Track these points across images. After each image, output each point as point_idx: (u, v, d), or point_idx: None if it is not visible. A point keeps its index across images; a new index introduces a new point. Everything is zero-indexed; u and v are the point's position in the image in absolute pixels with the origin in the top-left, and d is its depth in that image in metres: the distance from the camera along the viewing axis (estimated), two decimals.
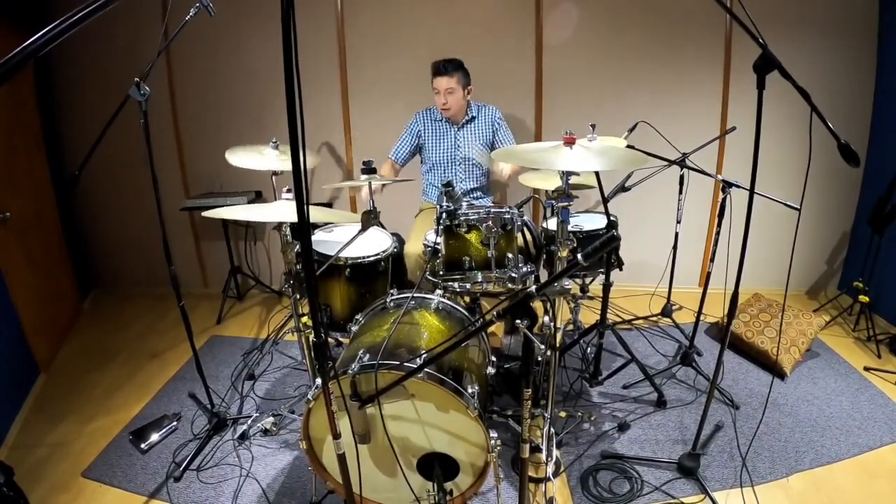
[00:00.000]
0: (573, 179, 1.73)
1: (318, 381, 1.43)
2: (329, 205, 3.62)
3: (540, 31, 3.21)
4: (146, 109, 1.90)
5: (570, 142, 1.61)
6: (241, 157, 2.21)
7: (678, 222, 2.72)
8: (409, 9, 3.24)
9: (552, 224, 2.01)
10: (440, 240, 1.84)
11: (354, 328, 1.85)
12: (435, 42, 3.22)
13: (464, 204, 1.82)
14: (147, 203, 2.15)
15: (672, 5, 3.12)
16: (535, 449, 2.00)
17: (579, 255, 1.13)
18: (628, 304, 3.38)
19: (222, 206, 2.66)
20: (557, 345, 1.97)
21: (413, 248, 2.42)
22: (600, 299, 2.43)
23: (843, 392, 2.48)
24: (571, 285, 1.50)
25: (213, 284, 3.83)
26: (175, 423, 2.38)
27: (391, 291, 1.94)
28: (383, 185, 2.38)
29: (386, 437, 1.53)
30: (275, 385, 2.67)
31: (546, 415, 1.99)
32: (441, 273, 1.86)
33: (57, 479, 2.09)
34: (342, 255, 1.99)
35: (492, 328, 2.55)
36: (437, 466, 1.58)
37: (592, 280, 2.71)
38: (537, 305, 1.29)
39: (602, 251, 1.16)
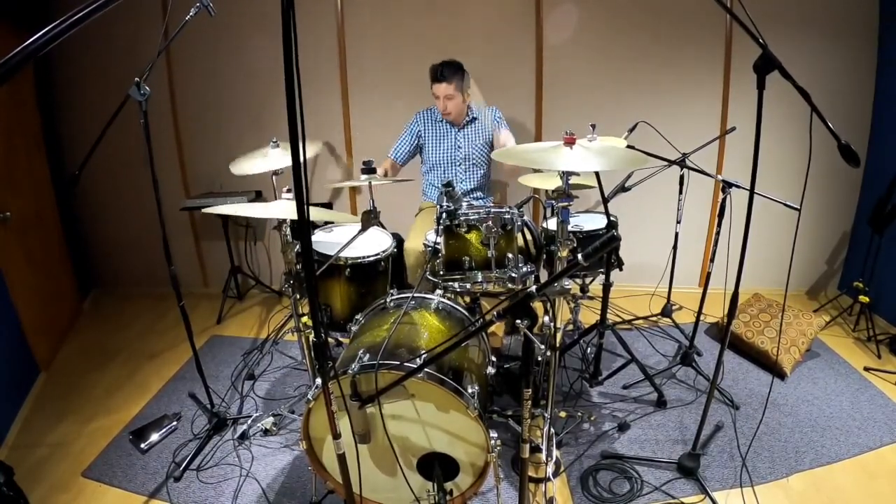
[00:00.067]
0: (573, 179, 1.73)
1: (318, 380, 1.43)
2: (329, 205, 3.62)
3: (540, 31, 3.21)
4: (146, 109, 1.90)
5: (570, 142, 1.61)
6: (244, 165, 2.16)
7: (678, 222, 2.73)
8: (409, 9, 3.24)
9: (552, 224, 2.01)
10: (440, 240, 1.84)
11: (354, 328, 1.85)
12: (435, 42, 3.22)
13: (464, 204, 1.82)
14: (147, 203, 2.15)
15: (672, 5, 3.12)
16: (535, 449, 2.00)
17: (579, 255, 1.13)
18: (628, 304, 3.38)
19: (222, 205, 2.65)
20: (557, 345, 1.96)
21: (413, 245, 2.42)
22: (600, 299, 2.43)
23: (843, 392, 2.48)
24: (571, 285, 1.50)
25: (213, 284, 3.83)
26: (175, 422, 2.38)
27: (391, 291, 1.94)
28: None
29: (386, 437, 1.53)
30: (275, 385, 2.67)
31: (546, 415, 1.99)
32: (441, 273, 1.86)
33: (57, 478, 2.09)
34: (342, 254, 1.99)
35: (492, 328, 2.55)
36: (437, 466, 1.58)
37: (592, 280, 2.71)
38: (537, 305, 1.28)
39: (602, 251, 1.16)
